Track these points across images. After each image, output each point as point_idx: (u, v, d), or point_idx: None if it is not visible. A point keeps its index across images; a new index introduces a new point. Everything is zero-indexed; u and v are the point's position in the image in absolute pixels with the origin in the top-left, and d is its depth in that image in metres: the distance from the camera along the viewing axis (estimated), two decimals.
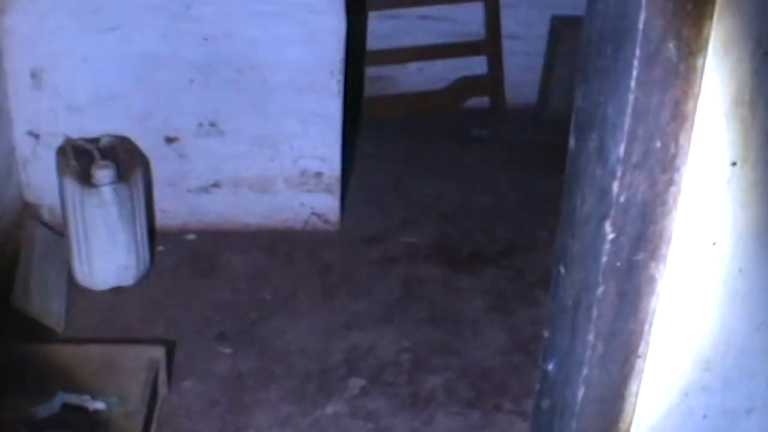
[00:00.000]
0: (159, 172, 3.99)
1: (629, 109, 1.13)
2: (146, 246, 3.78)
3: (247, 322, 3.60)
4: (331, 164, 4.12)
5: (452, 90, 5.70)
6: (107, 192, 3.52)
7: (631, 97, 1.13)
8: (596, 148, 1.22)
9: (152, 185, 3.98)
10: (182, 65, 3.83)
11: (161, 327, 3.53)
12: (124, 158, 3.69)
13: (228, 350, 3.44)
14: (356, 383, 3.34)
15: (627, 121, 1.14)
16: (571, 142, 1.31)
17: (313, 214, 4.19)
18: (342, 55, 3.90)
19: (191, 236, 4.10)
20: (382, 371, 3.40)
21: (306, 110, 3.98)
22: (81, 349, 3.18)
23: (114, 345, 3.25)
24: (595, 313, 1.29)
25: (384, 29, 5.50)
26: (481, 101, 5.78)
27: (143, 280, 3.75)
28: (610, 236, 1.23)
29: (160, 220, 4.07)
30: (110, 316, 3.58)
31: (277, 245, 4.10)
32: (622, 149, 1.17)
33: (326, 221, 4.22)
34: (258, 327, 3.59)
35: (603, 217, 1.24)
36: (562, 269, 1.39)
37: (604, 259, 1.25)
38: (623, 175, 1.18)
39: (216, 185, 4.07)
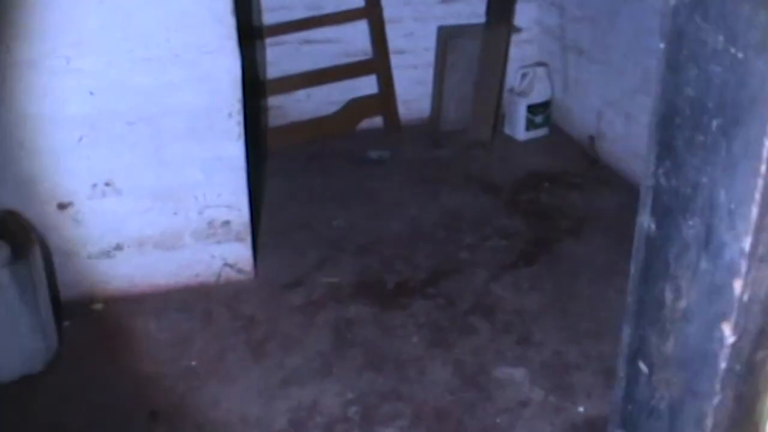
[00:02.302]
0: (55, 241, 3.66)
1: (757, 196, 0.95)
2: (52, 325, 3.44)
3: (176, 395, 3.31)
4: (239, 210, 3.88)
5: (344, 113, 5.54)
6: (3, 275, 3.18)
7: (760, 183, 0.95)
8: (699, 237, 1.04)
9: (50, 257, 3.63)
10: (68, 123, 3.52)
11: (83, 415, 3.20)
12: (17, 233, 3.36)
13: (163, 431, 3.15)
14: None
15: (754, 210, 0.96)
16: (648, 223, 1.12)
17: (226, 265, 3.94)
18: (240, 95, 3.67)
19: (99, 306, 3.78)
20: (332, 429, 3.17)
21: (207, 157, 3.73)
22: None
23: None
24: (709, 423, 1.10)
25: (267, 57, 5.29)
26: (375, 121, 5.63)
27: (54, 364, 3.42)
28: (731, 339, 1.06)
29: (63, 292, 3.73)
30: (23, 410, 3.22)
31: (193, 304, 3.82)
32: (747, 243, 0.98)
33: (240, 271, 3.98)
34: (190, 399, 3.30)
35: (719, 318, 1.05)
36: (643, 368, 1.20)
37: (723, 365, 1.07)
38: (748, 271, 1.00)
39: (118, 248, 3.77)
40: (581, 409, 3.22)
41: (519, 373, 3.42)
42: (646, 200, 1.15)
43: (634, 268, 1.22)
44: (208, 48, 3.57)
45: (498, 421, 3.19)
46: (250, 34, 5.09)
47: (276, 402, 3.29)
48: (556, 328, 3.66)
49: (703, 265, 1.06)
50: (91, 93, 3.50)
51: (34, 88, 3.44)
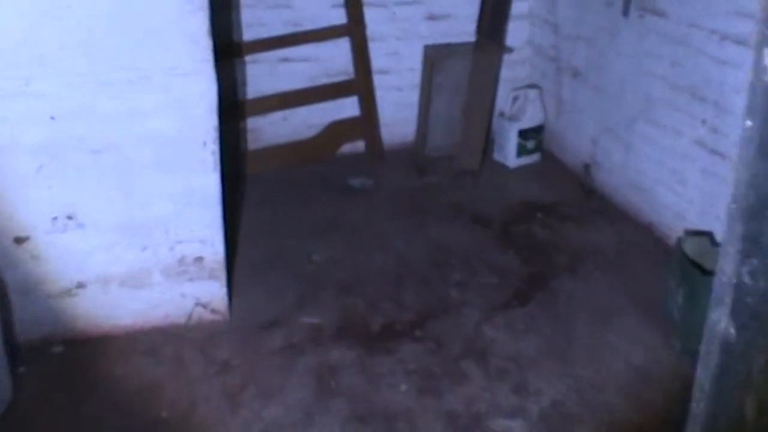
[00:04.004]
0: (11, 279, 3.53)
1: None
2: (7, 371, 3.30)
3: None
4: (213, 246, 3.77)
5: (323, 137, 5.46)
6: None
7: None
8: None
9: (6, 295, 3.49)
10: (26, 151, 3.39)
11: None
12: None
13: None
14: None
15: None
16: (726, 325, 1.01)
17: (198, 304, 3.83)
18: (215, 122, 3.56)
19: (58, 348, 3.64)
20: None
21: (178, 189, 3.62)
22: None
23: None
24: None
25: (241, 77, 5.20)
26: (356, 146, 5.57)
27: (8, 415, 3.27)
28: None
29: (19, 334, 3.60)
30: None
31: (162, 347, 3.69)
32: None
33: (214, 311, 3.86)
34: None
35: None
36: None
37: None
38: None
39: (81, 286, 3.64)
40: None
41: (516, 426, 3.32)
42: (724, 299, 1.04)
43: (703, 372, 1.11)
44: (182, 71, 3.46)
45: None
46: (228, 51, 5.01)
47: None
48: (555, 375, 3.57)
49: None
50: (52, 118, 3.37)
51: None
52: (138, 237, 3.65)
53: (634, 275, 4.29)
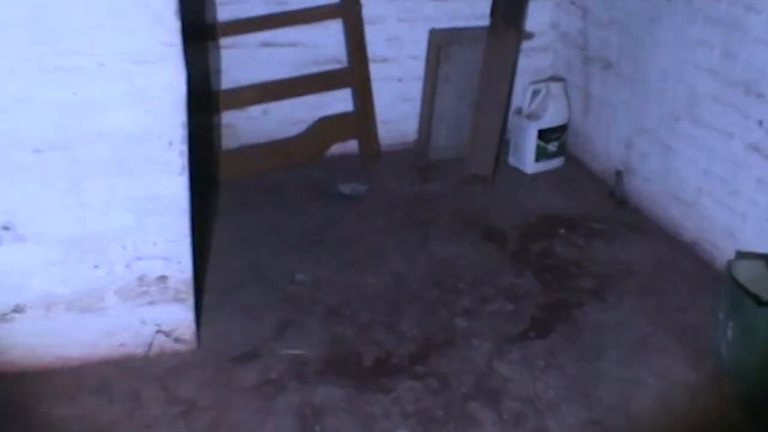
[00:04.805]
0: None
1: None
2: None
3: None
4: (179, 263, 3.72)
5: (311, 136, 5.46)
6: None
7: None
8: None
9: None
10: None
11: None
12: None
13: None
14: None
15: None
16: None
17: (160, 332, 3.78)
18: (183, 118, 3.51)
19: None
20: None
21: (139, 196, 3.57)
22: None
23: None
24: None
25: (215, 64, 5.18)
26: (348, 146, 5.59)
27: None
28: None
29: None
30: None
31: (116, 383, 3.63)
32: None
33: (178, 340, 3.82)
34: None
35: None
36: None
37: None
38: None
39: (18, 310, 3.58)
40: None
41: None
42: None
43: None
44: (145, 57, 3.39)
45: None
46: (199, 33, 4.99)
47: None
48: (579, 420, 3.52)
49: None
50: None
51: None
52: (89, 252, 3.60)
53: (673, 304, 4.26)
